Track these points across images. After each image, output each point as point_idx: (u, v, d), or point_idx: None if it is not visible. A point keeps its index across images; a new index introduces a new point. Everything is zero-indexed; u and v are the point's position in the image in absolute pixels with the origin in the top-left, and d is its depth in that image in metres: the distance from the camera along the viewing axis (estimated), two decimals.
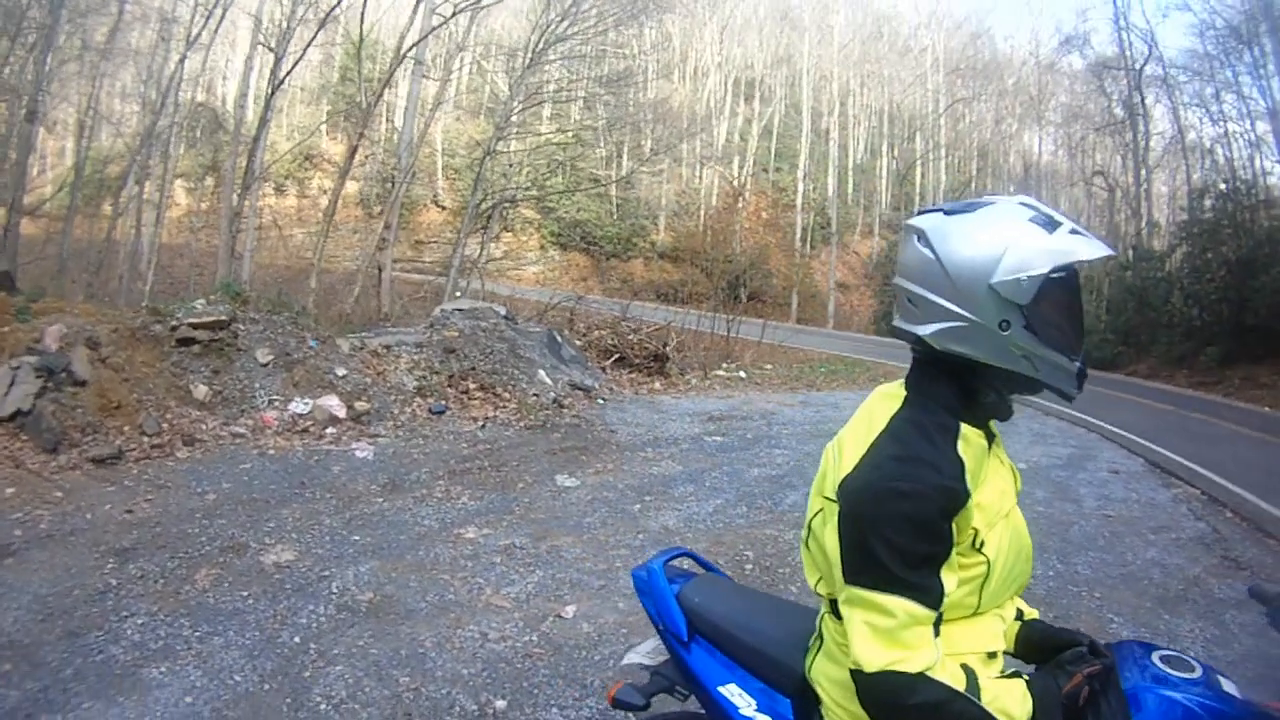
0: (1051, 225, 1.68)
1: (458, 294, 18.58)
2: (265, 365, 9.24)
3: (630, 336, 16.29)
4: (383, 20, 31.72)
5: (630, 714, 2.49)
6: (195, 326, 8.96)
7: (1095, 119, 38.43)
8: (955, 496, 1.62)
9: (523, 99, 22.31)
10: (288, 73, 19.87)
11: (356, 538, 5.92)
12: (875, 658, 1.59)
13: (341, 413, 8.99)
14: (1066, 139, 44.44)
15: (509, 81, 22.36)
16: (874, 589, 1.60)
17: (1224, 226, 24.79)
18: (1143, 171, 34.04)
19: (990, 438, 1.81)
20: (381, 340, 11.14)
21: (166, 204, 27.00)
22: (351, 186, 39.31)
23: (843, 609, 1.69)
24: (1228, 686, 1.82)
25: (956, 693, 1.62)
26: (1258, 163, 28.57)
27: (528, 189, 26.52)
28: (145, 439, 7.58)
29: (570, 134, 31.14)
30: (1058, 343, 1.71)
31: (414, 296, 23.06)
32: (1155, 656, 1.89)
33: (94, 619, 4.36)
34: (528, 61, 20.79)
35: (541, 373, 11.89)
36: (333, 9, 19.76)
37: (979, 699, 1.64)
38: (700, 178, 48.11)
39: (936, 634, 1.64)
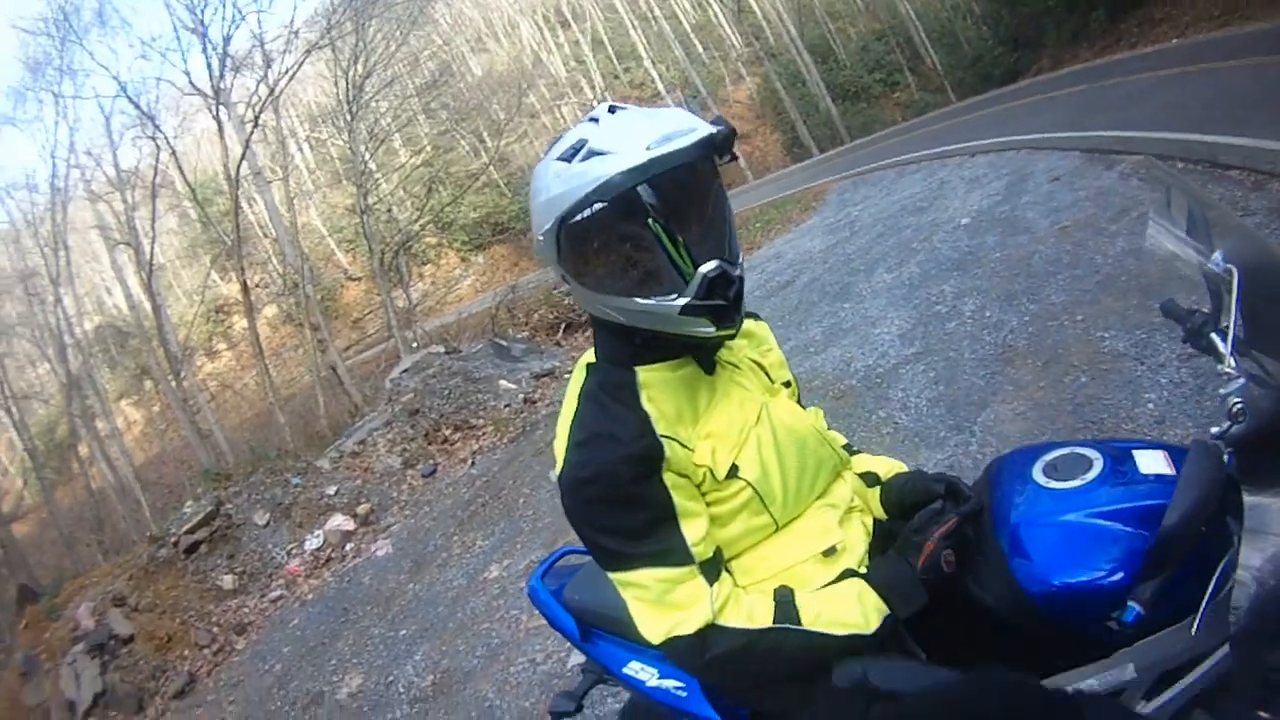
0: (572, 154, 1.46)
1: (414, 344, 18.58)
2: (267, 525, 9.40)
3: (566, 301, 16.10)
4: (203, 155, 31.43)
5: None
6: (191, 531, 9.09)
7: None
8: (645, 457, 1.50)
9: (366, 145, 22.15)
10: (150, 254, 19.87)
11: (404, 632, 6.11)
12: (655, 629, 1.54)
13: (350, 525, 9.15)
14: None
15: (345, 138, 22.11)
16: (618, 570, 1.55)
17: None
18: None
19: (710, 360, 1.68)
20: (354, 439, 11.24)
21: (122, 430, 27.22)
22: (271, 310, 39.31)
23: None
24: (1148, 463, 1.61)
25: (758, 631, 1.54)
26: None
27: (416, 220, 26.43)
28: (204, 651, 7.80)
29: (426, 149, 30.89)
30: (634, 289, 1.48)
31: (376, 372, 23.14)
32: (1038, 469, 1.68)
33: None
34: (350, 113, 20.62)
35: (502, 382, 11.92)
36: (155, 179, 19.75)
37: (798, 621, 1.55)
38: (564, 119, 47.68)
39: (715, 578, 1.56)
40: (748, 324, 1.84)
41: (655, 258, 1.45)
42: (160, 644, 7.89)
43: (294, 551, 9.07)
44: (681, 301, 1.45)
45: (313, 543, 9.05)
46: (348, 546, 8.87)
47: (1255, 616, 1.34)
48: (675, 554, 1.51)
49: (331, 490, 9.79)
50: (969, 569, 1.61)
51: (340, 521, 9.22)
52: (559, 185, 1.44)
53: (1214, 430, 1.47)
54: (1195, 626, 1.46)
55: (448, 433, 10.92)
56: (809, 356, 7.24)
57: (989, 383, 5.19)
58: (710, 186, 1.51)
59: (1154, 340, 4.65)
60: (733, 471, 1.59)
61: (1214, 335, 1.56)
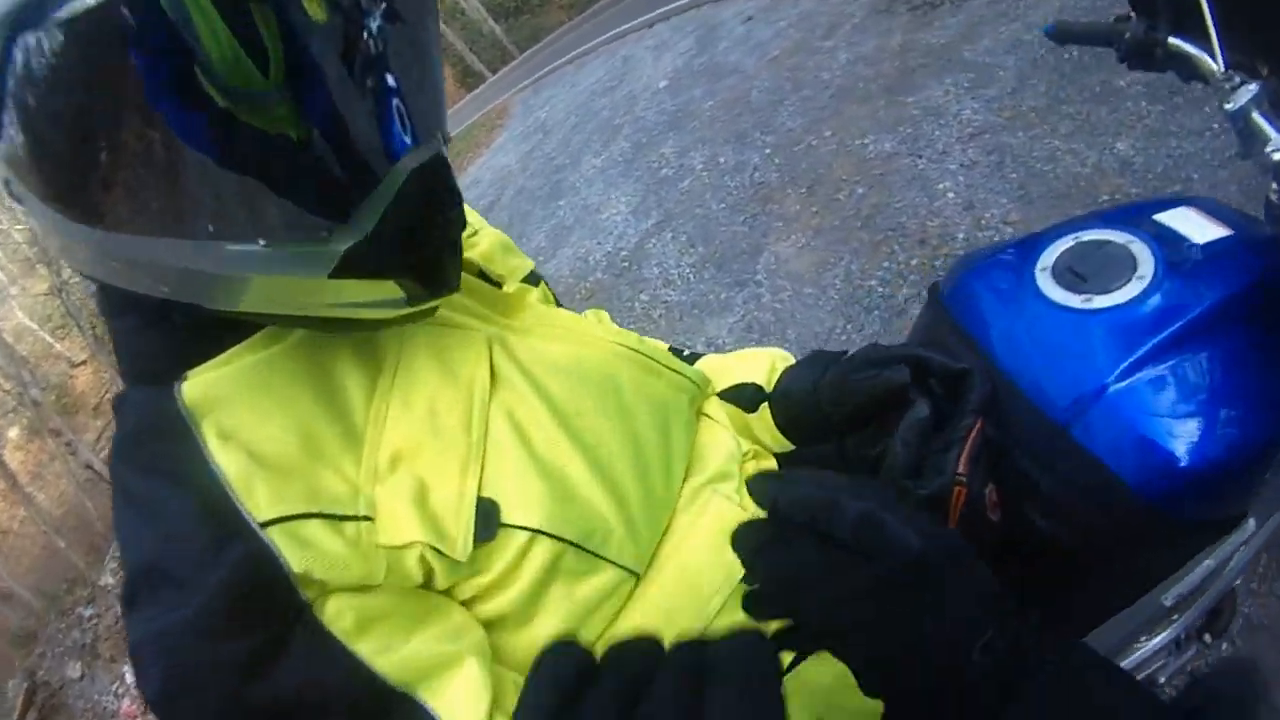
0: None
1: None
2: (82, 677, 8.55)
3: None
4: None
5: None
6: (22, 716, 8.53)
7: None
8: (242, 599, 0.62)
9: None
10: None
11: None
12: None
13: None
14: None
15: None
16: None
17: None
18: None
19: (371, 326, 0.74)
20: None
21: None
22: (14, 431, 36.13)
23: None
24: (1189, 227, 0.96)
25: None
26: None
27: None
28: None
29: None
30: (216, 212, 0.59)
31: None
32: (1047, 283, 0.97)
33: None
34: None
35: None
36: None
37: None
38: None
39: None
40: None
41: (281, 123, 0.58)
42: None
43: (120, 691, 8.19)
44: (344, 245, 0.60)
45: (132, 674, 8.13)
46: None
47: None
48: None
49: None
50: (1024, 497, 0.90)
51: None
52: None
53: None
54: None
55: None
56: (541, 265, 6.60)
57: (754, 227, 4.83)
58: None
59: (922, 130, 4.39)
60: (488, 522, 0.71)
61: (1176, 40, 1.02)
